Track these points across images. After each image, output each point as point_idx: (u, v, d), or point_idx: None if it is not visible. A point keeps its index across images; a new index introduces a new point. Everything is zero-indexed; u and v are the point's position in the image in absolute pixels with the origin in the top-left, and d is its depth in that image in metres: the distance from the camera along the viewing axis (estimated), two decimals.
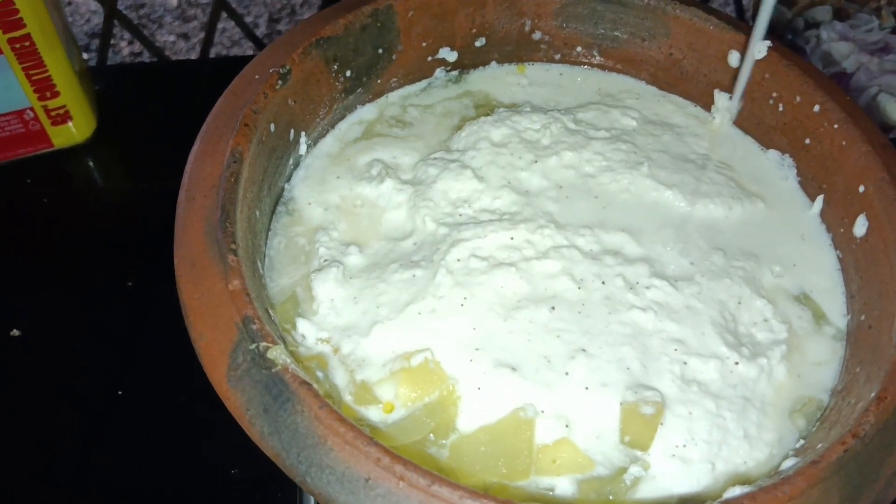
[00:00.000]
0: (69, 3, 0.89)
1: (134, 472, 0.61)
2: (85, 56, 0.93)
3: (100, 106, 0.84)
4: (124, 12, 0.91)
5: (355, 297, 0.51)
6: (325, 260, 0.53)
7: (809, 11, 1.00)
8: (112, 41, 0.93)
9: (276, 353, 0.40)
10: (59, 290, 0.72)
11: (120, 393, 0.65)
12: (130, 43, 0.95)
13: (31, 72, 0.75)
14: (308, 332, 0.50)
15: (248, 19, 0.95)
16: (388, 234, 0.56)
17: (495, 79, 0.68)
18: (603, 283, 0.52)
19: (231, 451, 0.60)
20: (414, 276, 0.52)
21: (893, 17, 0.99)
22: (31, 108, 0.77)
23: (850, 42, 0.96)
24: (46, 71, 0.75)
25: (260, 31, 0.97)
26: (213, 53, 0.97)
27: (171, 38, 0.95)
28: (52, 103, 0.78)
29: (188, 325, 0.42)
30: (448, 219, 0.55)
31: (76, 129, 0.81)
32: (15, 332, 0.68)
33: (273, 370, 0.39)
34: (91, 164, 0.83)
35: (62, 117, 0.79)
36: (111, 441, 0.63)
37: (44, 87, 0.76)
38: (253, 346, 0.40)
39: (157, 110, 0.87)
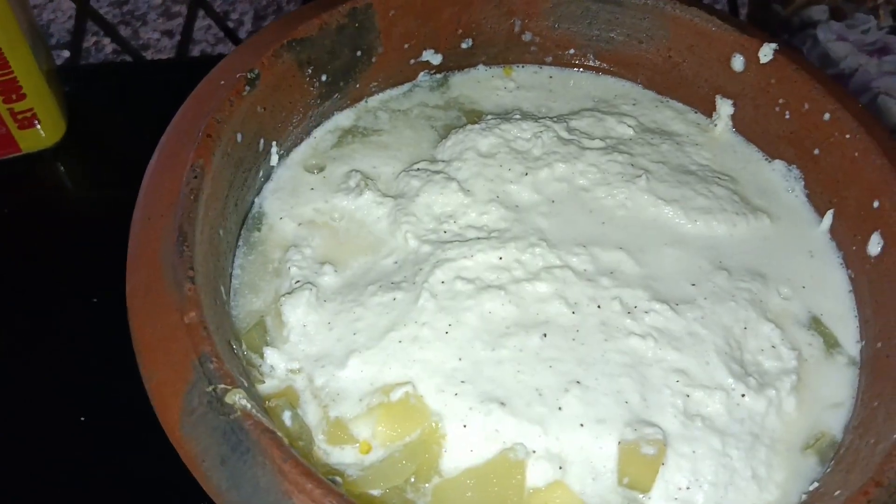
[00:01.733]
0: (51, 0, 0.85)
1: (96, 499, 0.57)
2: (67, 54, 0.89)
3: (70, 108, 0.81)
4: (106, 9, 0.87)
5: (329, 323, 0.48)
6: (297, 281, 0.49)
7: (805, 11, 0.97)
8: (96, 39, 0.89)
9: (236, 398, 0.35)
10: (23, 304, 0.68)
11: (83, 419, 0.60)
12: (113, 40, 0.91)
13: None
14: (277, 363, 0.46)
15: (234, 16, 0.92)
16: (365, 252, 0.52)
17: (480, 83, 0.64)
18: (598, 306, 0.48)
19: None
20: (394, 299, 0.48)
21: (891, 17, 0.96)
22: None
23: (848, 42, 0.92)
24: (11, 72, 0.72)
25: (245, 29, 0.93)
26: (197, 51, 0.93)
27: (156, 35, 0.91)
28: (18, 105, 0.74)
29: (139, 362, 0.38)
30: (431, 236, 0.52)
31: (44, 133, 0.77)
32: None
33: (232, 416, 0.35)
34: (61, 168, 0.80)
35: (29, 120, 0.76)
36: (72, 470, 0.58)
37: (9, 89, 0.73)
38: (210, 388, 0.36)
39: (131, 112, 0.84)
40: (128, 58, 0.92)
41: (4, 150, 0.76)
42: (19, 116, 0.75)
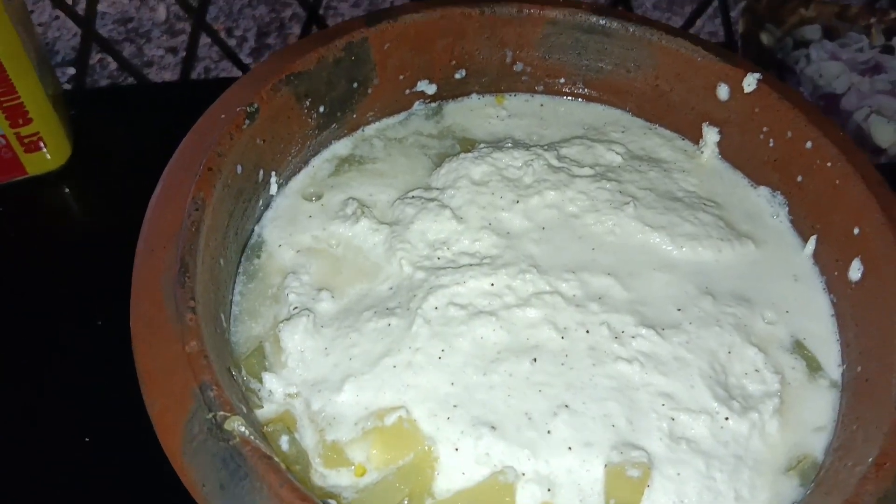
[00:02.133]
0: (56, 18, 0.87)
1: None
2: (72, 71, 0.91)
3: (76, 131, 0.82)
4: (111, 26, 0.89)
5: (326, 349, 0.49)
6: (295, 307, 0.51)
7: (799, 30, 0.98)
8: (101, 56, 0.91)
9: (235, 424, 0.37)
10: (29, 326, 0.69)
11: (87, 440, 0.62)
12: (115, 60, 0.93)
13: (2, 98, 0.73)
14: (275, 388, 0.47)
15: (238, 33, 0.93)
16: (362, 279, 0.53)
17: (473, 111, 0.65)
18: (587, 331, 0.49)
19: None
20: (389, 325, 0.49)
21: (883, 36, 0.98)
22: (3, 136, 0.75)
23: (841, 62, 0.94)
24: (18, 97, 0.73)
25: (249, 45, 0.95)
26: (201, 68, 0.95)
27: (160, 52, 0.93)
28: (24, 130, 0.75)
29: (143, 390, 0.40)
30: (426, 262, 0.53)
31: (50, 156, 0.79)
32: None
33: (231, 442, 0.37)
34: (66, 191, 0.80)
35: (35, 144, 0.77)
36: (78, 493, 0.59)
37: (16, 114, 0.74)
38: (210, 415, 0.37)
39: (136, 135, 0.85)
40: (132, 79, 0.94)
41: (11, 173, 0.78)
42: (26, 140, 0.76)
